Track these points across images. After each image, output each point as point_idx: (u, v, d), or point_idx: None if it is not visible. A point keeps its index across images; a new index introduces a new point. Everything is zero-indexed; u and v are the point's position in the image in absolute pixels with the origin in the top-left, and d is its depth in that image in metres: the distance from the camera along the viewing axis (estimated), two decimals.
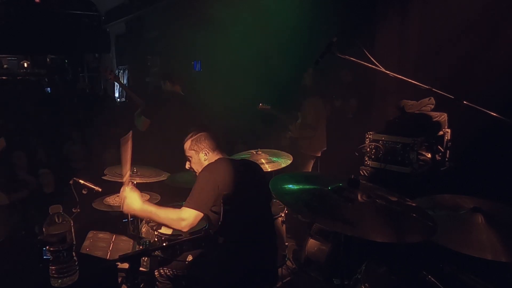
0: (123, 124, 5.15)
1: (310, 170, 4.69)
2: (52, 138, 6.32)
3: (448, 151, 3.27)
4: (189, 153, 2.45)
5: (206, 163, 2.39)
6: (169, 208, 2.34)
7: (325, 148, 4.72)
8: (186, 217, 2.14)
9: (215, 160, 2.36)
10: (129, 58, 12.09)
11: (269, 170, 3.17)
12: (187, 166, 2.50)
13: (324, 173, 4.61)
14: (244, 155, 3.37)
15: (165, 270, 2.40)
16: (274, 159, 3.35)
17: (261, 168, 2.63)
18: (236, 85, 6.20)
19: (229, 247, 2.23)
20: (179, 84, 4.29)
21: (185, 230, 2.18)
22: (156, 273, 2.42)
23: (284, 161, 3.34)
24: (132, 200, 2.15)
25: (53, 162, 4.87)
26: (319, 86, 4.54)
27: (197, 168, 2.42)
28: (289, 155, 3.49)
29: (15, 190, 4.31)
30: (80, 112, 8.32)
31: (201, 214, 2.17)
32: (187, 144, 2.45)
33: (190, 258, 2.41)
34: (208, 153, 2.41)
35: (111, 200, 2.88)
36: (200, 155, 2.41)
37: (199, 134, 2.44)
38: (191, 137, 2.45)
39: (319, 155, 4.71)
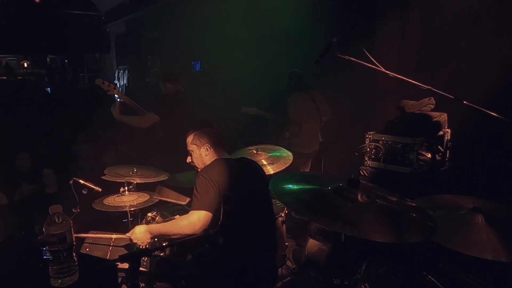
0: (123, 124, 5.14)
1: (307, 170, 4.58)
2: (55, 138, 6.31)
3: (448, 151, 3.27)
4: (190, 147, 2.45)
5: (206, 158, 2.40)
6: (173, 219, 2.42)
7: (317, 148, 4.52)
8: (196, 219, 2.15)
9: (212, 162, 2.36)
10: (129, 58, 12.08)
11: (271, 172, 3.16)
12: (188, 160, 2.51)
13: (324, 173, 4.61)
14: (244, 153, 3.36)
15: (165, 270, 2.40)
16: (272, 154, 3.34)
17: (260, 167, 2.63)
18: (236, 85, 6.20)
19: (229, 247, 2.23)
20: (180, 83, 4.14)
21: (199, 232, 2.17)
22: (156, 273, 2.42)
23: (284, 157, 3.33)
24: (136, 231, 2.27)
25: (57, 162, 4.85)
26: (303, 82, 4.45)
27: (198, 163, 2.43)
28: (288, 152, 3.48)
29: (17, 188, 4.31)
30: (82, 112, 8.30)
31: (210, 214, 2.17)
32: (189, 138, 2.46)
33: (189, 258, 2.41)
34: (209, 148, 2.41)
35: (111, 200, 2.88)
36: (201, 150, 2.42)
37: (202, 129, 2.46)
38: (194, 131, 2.47)
39: (310, 152, 4.49)
